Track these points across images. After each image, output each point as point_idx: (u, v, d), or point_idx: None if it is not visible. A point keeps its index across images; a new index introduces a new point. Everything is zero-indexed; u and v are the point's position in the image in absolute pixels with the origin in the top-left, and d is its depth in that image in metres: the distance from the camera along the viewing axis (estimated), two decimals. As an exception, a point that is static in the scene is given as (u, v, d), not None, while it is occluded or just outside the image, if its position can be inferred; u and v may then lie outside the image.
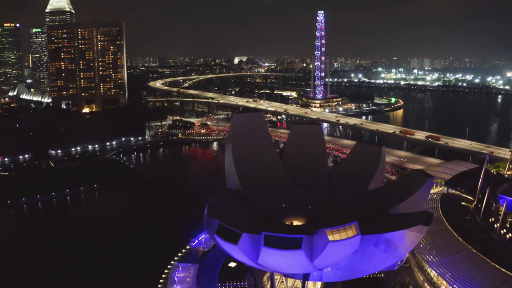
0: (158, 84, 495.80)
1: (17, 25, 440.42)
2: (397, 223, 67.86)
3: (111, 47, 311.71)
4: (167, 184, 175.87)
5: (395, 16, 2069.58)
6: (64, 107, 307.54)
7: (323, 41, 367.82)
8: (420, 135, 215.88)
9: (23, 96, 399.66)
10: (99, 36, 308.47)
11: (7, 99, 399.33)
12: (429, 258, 77.97)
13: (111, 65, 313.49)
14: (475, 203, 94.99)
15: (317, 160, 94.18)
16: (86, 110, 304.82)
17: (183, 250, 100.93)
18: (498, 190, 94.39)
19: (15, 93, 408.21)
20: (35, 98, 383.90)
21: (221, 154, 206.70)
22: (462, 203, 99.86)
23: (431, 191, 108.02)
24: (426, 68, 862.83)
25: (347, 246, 63.66)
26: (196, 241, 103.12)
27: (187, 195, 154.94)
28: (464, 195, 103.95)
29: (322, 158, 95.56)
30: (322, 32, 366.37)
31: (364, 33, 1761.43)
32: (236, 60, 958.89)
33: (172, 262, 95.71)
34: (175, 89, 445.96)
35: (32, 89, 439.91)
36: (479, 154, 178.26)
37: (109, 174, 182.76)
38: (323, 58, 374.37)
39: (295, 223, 78.16)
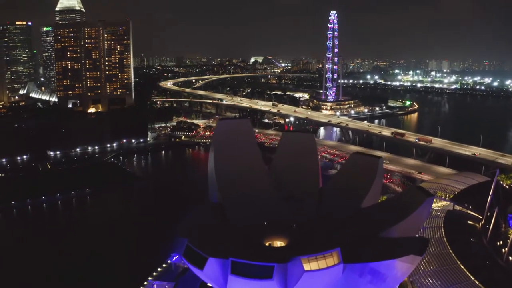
0: (169, 84, 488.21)
1: (29, 23, 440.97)
2: (387, 251, 59.61)
3: (118, 47, 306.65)
4: (164, 189, 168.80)
5: (415, 18, 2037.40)
6: (70, 106, 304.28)
7: (336, 42, 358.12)
8: (412, 137, 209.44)
9: (33, 95, 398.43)
10: (105, 35, 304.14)
11: (17, 97, 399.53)
12: (426, 286, 69.23)
13: (117, 65, 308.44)
14: (482, 222, 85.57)
15: (308, 172, 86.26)
16: (92, 110, 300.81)
17: (164, 265, 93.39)
18: (508, 209, 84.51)
19: (25, 91, 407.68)
20: (44, 97, 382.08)
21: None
22: (469, 222, 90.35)
23: (436, 207, 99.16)
24: (445, 70, 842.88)
25: (326, 276, 56.04)
26: (178, 255, 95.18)
27: (183, 202, 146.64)
28: (472, 213, 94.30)
29: (313, 171, 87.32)
30: (335, 33, 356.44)
31: (383, 34, 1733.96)
32: (251, 60, 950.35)
33: (149, 278, 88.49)
34: (184, 89, 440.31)
35: (43, 88, 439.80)
36: (488, 162, 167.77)
37: (104, 178, 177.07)
38: (335, 59, 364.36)
39: (276, 243, 70.51)
